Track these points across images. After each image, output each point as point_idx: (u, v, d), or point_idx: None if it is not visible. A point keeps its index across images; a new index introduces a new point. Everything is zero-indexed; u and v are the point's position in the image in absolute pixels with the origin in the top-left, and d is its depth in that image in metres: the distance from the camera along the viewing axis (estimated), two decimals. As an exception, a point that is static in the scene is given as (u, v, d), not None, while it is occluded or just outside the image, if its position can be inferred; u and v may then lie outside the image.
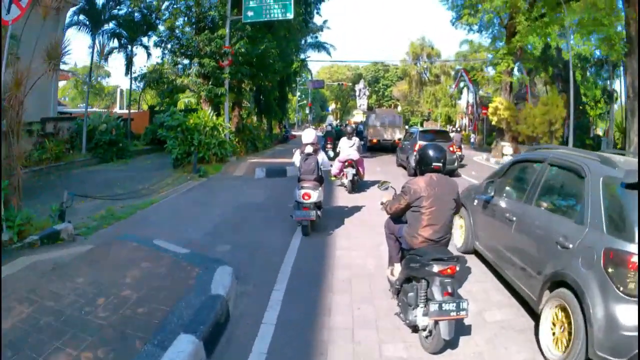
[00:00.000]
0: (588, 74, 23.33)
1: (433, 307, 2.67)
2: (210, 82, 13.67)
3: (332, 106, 75.33)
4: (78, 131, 13.98)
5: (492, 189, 4.26)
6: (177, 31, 13.88)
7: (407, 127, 22.57)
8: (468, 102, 36.24)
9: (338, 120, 62.34)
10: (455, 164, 12.81)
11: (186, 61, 14.47)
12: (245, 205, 7.77)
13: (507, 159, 19.13)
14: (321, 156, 5.95)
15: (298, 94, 61.46)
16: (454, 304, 2.68)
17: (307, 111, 51.93)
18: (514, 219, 3.73)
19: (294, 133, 40.72)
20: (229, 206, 7.69)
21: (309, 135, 5.99)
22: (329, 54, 31.23)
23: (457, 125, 36.48)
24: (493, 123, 18.39)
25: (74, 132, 14.02)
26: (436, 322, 2.74)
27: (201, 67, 13.36)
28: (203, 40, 13.35)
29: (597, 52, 18.04)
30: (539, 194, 3.60)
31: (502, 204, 4.13)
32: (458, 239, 5.13)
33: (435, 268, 2.80)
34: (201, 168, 11.44)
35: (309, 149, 5.84)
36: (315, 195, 5.46)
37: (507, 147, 17.90)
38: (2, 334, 2.65)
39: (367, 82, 67.98)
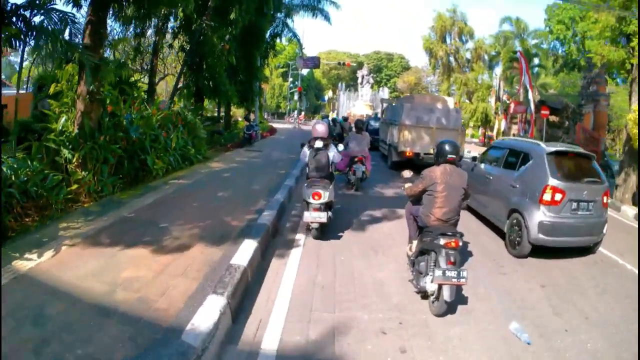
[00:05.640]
0: None
1: (438, 272, 3.37)
2: None
3: (328, 95, 65.85)
4: None
5: None
6: None
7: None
8: (501, 98, 27.07)
9: (335, 112, 52.77)
10: (604, 229, 5.70)
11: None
12: None
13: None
14: (332, 151, 5.46)
15: (290, 79, 51.82)
16: (455, 272, 3.35)
17: (296, 97, 42.00)
18: None
19: (275, 125, 30.15)
20: None
21: (319, 128, 5.49)
22: (328, 19, 21.80)
23: (494, 131, 27.25)
24: (635, 144, 9.24)
25: None
26: (440, 287, 3.42)
27: None
28: None
29: None
30: None
31: None
32: None
33: (442, 241, 3.51)
34: None
35: (318, 144, 5.35)
36: (326, 195, 5.09)
37: (658, 189, 8.83)
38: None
39: (370, 70, 58.43)
